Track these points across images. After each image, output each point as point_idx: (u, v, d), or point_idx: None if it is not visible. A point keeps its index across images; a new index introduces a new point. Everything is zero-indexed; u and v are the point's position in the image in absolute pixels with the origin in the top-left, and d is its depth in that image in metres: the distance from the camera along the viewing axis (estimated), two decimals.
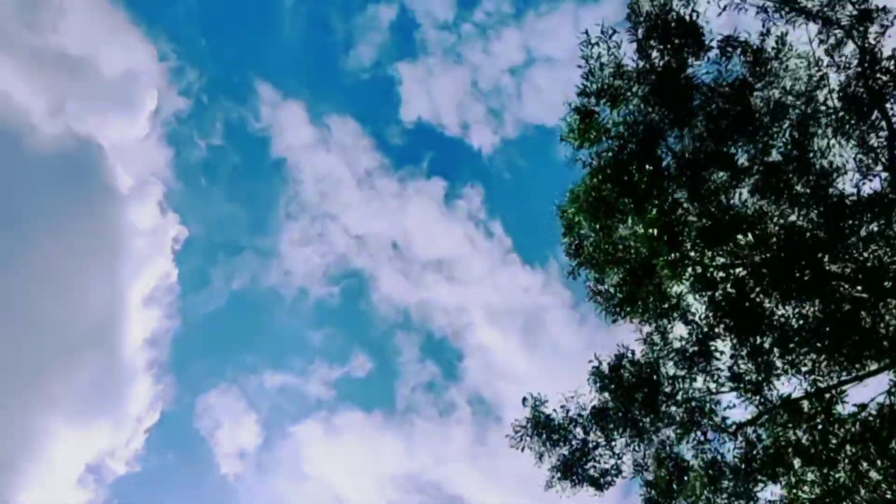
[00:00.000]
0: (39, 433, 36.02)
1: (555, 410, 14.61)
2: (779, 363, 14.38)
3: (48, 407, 36.67)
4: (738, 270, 12.97)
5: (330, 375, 40.12)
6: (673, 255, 12.79)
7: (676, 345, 14.62)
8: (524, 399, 14.76)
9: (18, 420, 35.40)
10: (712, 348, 14.24)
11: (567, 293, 40.46)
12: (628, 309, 15.39)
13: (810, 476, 14.86)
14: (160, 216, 39.06)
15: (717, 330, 14.25)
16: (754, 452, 14.16)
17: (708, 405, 14.22)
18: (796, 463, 14.58)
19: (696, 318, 14.79)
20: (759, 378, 13.75)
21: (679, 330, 15.22)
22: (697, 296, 14.87)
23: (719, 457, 13.70)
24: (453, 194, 41.59)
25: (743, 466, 13.28)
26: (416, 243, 43.04)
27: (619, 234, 15.46)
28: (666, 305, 15.10)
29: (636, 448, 14.66)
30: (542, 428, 14.55)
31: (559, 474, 14.48)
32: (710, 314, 14.46)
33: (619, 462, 14.47)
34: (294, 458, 39.83)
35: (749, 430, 14.69)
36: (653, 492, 14.41)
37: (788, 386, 14.52)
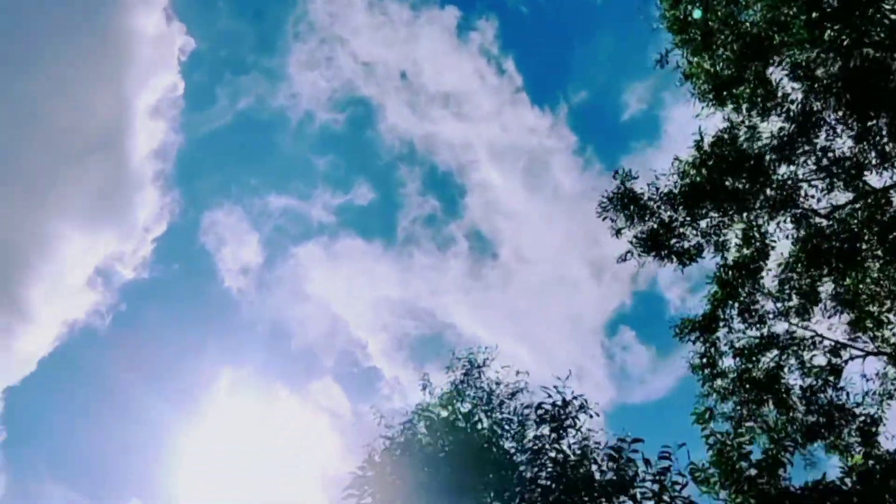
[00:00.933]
0: (50, 235, 35.35)
1: (646, 185, 14.31)
2: (873, 157, 14.28)
3: (58, 210, 35.74)
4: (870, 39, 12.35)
5: (332, 201, 39.49)
6: (813, 13, 12.05)
7: (774, 129, 14.26)
8: (615, 172, 14.39)
9: (30, 221, 34.55)
10: (812, 133, 13.94)
11: (573, 137, 39.62)
12: (725, 94, 14.85)
13: (873, 274, 15.23)
14: (166, 24, 36.14)
15: (822, 115, 13.90)
16: (834, 242, 14.29)
17: (802, 189, 14.09)
18: (869, 263, 14.85)
19: (795, 107, 14.39)
20: (860, 161, 13.59)
21: (774, 122, 14.85)
22: (799, 83, 14.39)
23: (815, 232, 13.71)
24: (466, 26, 39.25)
25: (837, 246, 13.33)
26: (425, 75, 41.07)
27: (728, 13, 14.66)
28: (766, 93, 14.60)
29: (718, 231, 14.62)
30: (629, 201, 14.28)
31: (642, 249, 14.38)
32: (815, 99, 14.06)
33: (702, 241, 14.43)
34: (295, 278, 40.24)
35: (829, 220, 14.78)
36: (730, 273, 14.52)
37: (880, 181, 14.50)
